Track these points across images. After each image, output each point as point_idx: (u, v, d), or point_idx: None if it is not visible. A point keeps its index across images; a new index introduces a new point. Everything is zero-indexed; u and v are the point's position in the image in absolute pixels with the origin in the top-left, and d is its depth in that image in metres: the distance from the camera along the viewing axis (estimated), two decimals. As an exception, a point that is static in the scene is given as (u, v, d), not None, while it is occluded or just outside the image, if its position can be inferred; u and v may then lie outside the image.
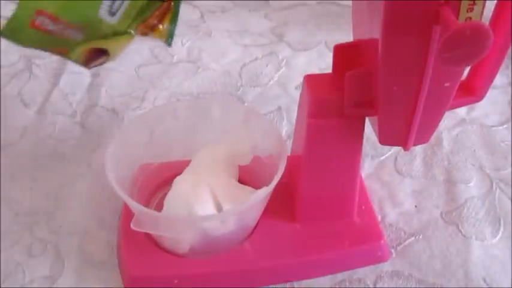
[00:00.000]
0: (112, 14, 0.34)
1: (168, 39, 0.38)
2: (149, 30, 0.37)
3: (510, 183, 0.52)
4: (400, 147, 0.41)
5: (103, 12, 0.34)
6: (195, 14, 0.74)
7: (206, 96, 0.62)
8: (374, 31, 0.34)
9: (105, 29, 0.35)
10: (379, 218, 0.49)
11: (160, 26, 0.38)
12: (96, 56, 0.36)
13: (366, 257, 0.46)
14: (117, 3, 0.34)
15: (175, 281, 0.43)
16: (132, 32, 0.36)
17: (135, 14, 0.36)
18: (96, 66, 0.37)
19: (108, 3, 0.34)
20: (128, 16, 0.35)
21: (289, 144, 0.51)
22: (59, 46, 0.34)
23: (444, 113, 0.38)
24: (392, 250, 0.47)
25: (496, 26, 0.34)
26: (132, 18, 0.36)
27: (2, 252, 0.47)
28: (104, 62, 0.37)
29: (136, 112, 0.60)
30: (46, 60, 0.66)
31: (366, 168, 0.54)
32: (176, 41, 0.38)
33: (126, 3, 0.34)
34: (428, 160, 0.55)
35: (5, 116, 0.59)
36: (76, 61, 0.35)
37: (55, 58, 0.66)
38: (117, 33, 0.35)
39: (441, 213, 0.50)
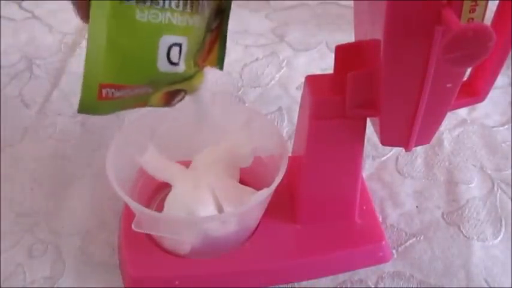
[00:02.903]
0: (174, 64, 0.34)
1: (219, 64, 0.39)
2: (204, 61, 0.37)
3: (511, 183, 0.52)
4: (401, 148, 0.41)
5: (162, 65, 0.33)
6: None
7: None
8: (376, 32, 0.33)
9: (173, 78, 0.35)
10: (380, 219, 0.49)
11: (211, 54, 0.38)
12: (174, 96, 0.36)
13: (367, 258, 0.46)
14: (173, 52, 0.33)
15: (176, 282, 0.43)
16: (201, 70, 0.37)
17: (194, 53, 0.36)
18: (178, 102, 0.37)
19: (163, 55, 0.33)
20: (190, 59, 0.35)
21: (290, 144, 0.51)
22: (137, 103, 0.34)
23: (446, 113, 0.37)
24: (394, 251, 0.47)
25: (497, 26, 0.34)
26: (193, 58, 0.36)
27: (3, 253, 0.47)
28: (184, 97, 0.37)
29: (137, 113, 0.59)
30: (47, 61, 0.66)
31: (367, 168, 0.54)
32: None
33: (184, 49, 0.34)
34: (430, 161, 0.55)
35: (5, 116, 0.59)
36: (157, 106, 0.36)
37: (56, 58, 0.66)
38: (187, 78, 0.36)
39: (442, 213, 0.50)
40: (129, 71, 0.32)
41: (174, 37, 0.33)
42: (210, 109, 0.40)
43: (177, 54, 0.34)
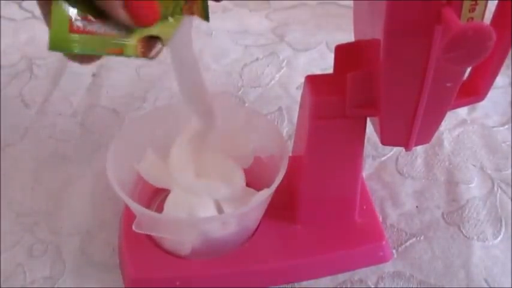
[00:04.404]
0: None
1: (204, 14, 0.37)
2: (188, 10, 0.36)
3: (511, 183, 0.52)
4: (401, 148, 0.41)
5: None
6: (196, 14, 0.74)
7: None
8: (375, 31, 0.33)
9: None
10: (380, 219, 0.49)
11: (195, 4, 0.36)
12: (151, 45, 0.35)
13: (368, 258, 0.46)
14: None
15: (177, 283, 0.43)
16: (180, 13, 0.35)
17: None
18: (157, 55, 0.35)
19: None
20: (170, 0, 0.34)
21: (290, 144, 0.51)
22: (111, 46, 0.33)
23: (446, 113, 0.38)
24: (394, 251, 0.47)
25: (497, 26, 0.34)
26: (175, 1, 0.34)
27: (3, 252, 0.47)
28: (161, 50, 0.35)
29: (137, 112, 0.60)
30: (47, 61, 0.66)
31: (367, 168, 0.54)
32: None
33: None
34: (430, 161, 0.55)
35: (5, 116, 0.59)
36: (135, 56, 0.34)
37: (56, 58, 0.66)
38: (162, 18, 0.34)
39: (442, 213, 0.50)
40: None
41: None
42: (196, 66, 0.39)
43: None
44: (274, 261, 0.45)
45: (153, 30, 0.34)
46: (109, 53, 0.33)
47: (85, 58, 0.33)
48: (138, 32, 0.33)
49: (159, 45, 0.35)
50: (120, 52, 0.33)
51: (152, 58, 0.35)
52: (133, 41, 0.33)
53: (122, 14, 0.31)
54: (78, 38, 0.31)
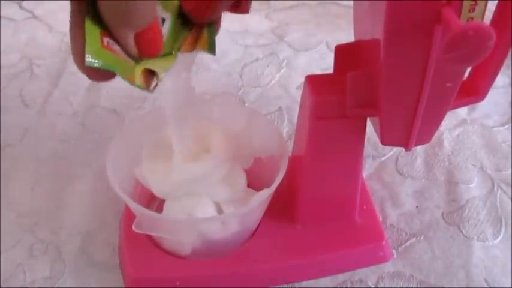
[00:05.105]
0: None
1: (211, 47, 0.38)
2: (193, 44, 0.37)
3: (511, 183, 0.52)
4: (401, 148, 0.41)
5: None
6: (196, 14, 0.74)
7: (207, 97, 0.62)
8: (375, 31, 0.33)
9: None
10: (380, 219, 0.49)
11: (202, 38, 0.38)
12: (150, 78, 0.36)
13: (368, 258, 0.46)
14: None
15: (177, 283, 0.43)
16: (174, 52, 0.36)
17: (174, 36, 0.36)
18: (154, 89, 0.36)
19: None
20: (172, 39, 0.35)
21: (290, 144, 0.51)
22: (127, 72, 0.34)
23: (446, 113, 0.37)
24: (394, 251, 0.47)
25: (497, 26, 0.34)
26: (172, 40, 0.36)
27: (3, 252, 0.47)
28: (157, 84, 0.36)
29: (137, 112, 0.60)
30: (47, 61, 0.66)
31: (367, 168, 0.54)
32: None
33: (167, 26, 0.35)
34: (430, 161, 0.55)
35: (5, 116, 0.59)
36: (140, 87, 0.35)
37: (56, 58, 0.66)
38: (162, 54, 0.35)
39: (442, 214, 0.50)
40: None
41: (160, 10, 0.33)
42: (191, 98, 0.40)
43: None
44: (274, 261, 0.45)
45: (151, 64, 0.35)
46: (126, 79, 0.33)
47: (105, 76, 0.33)
48: (142, 63, 0.34)
49: (155, 80, 0.36)
50: (133, 80, 0.34)
51: (151, 91, 0.36)
52: (138, 71, 0.34)
53: (130, 43, 0.32)
54: (107, 54, 0.31)
